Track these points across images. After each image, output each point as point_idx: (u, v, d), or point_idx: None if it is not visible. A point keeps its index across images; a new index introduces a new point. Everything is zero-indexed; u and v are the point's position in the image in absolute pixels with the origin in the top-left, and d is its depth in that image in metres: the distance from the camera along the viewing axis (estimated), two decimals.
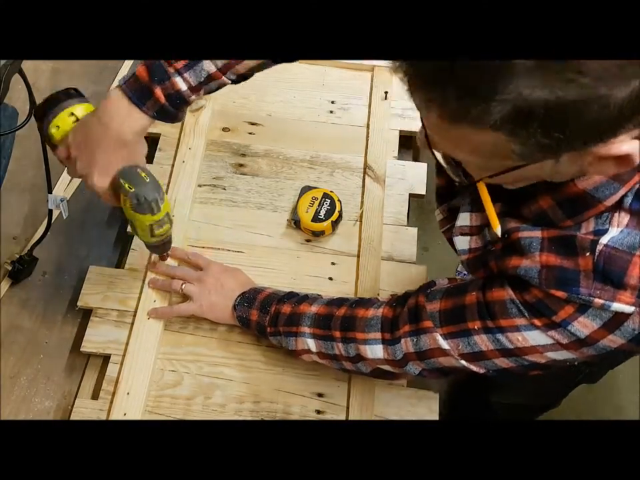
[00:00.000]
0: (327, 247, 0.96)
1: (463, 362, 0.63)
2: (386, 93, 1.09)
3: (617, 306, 0.52)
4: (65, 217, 0.86)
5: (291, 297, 0.81)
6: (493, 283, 0.60)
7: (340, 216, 0.95)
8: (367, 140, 1.05)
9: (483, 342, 0.60)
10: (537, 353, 0.57)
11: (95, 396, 0.85)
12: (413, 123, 1.07)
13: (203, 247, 0.95)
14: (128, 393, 0.82)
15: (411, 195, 1.02)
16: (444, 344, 0.63)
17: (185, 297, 0.87)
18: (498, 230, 0.57)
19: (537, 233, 0.56)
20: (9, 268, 0.89)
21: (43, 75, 1.08)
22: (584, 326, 0.53)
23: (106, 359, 0.87)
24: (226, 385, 0.86)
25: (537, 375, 0.63)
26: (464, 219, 0.67)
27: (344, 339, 0.72)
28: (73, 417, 0.83)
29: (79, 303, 0.89)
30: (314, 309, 0.77)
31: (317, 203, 0.95)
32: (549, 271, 0.54)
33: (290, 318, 0.77)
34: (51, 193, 0.81)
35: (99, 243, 0.99)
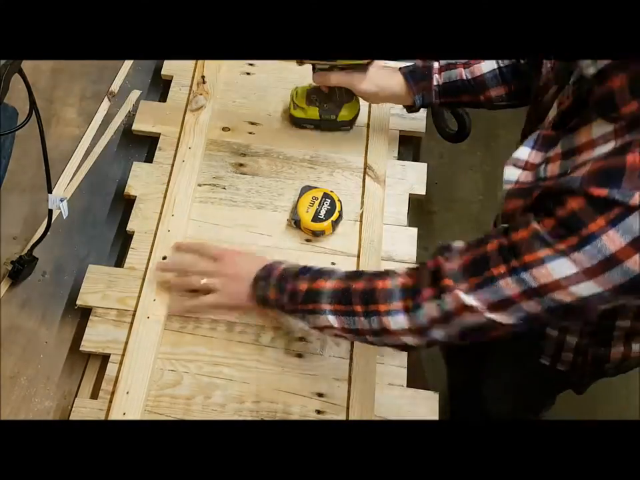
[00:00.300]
0: (327, 246, 0.96)
1: (491, 315, 0.61)
2: None
3: None
4: (64, 217, 0.86)
5: (305, 271, 0.78)
6: (519, 224, 0.59)
7: (340, 216, 0.95)
8: (367, 140, 1.05)
9: (508, 286, 0.59)
10: (561, 289, 0.56)
11: (95, 395, 0.85)
12: (413, 122, 1.07)
13: None
14: (127, 393, 0.82)
15: (410, 195, 1.02)
16: (468, 299, 0.61)
17: (205, 291, 0.86)
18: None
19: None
20: (9, 268, 0.89)
21: (43, 74, 1.08)
22: (612, 241, 0.52)
23: (105, 358, 0.87)
24: (226, 384, 0.86)
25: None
26: (523, 152, 0.66)
27: (366, 313, 0.70)
28: (73, 417, 0.83)
29: (78, 302, 0.89)
30: (330, 284, 0.74)
31: (317, 202, 0.95)
32: (592, 172, 0.54)
33: (307, 295, 0.75)
34: (50, 193, 0.81)
35: (98, 242, 0.99)
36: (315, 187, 0.98)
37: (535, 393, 1.09)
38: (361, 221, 0.98)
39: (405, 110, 0.99)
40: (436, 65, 0.93)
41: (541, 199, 0.59)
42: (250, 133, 1.06)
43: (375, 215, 0.98)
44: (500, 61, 0.90)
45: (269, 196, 1.00)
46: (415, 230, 0.99)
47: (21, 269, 0.89)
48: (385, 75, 0.94)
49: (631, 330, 0.82)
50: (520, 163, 0.66)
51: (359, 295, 0.71)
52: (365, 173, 1.02)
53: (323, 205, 0.95)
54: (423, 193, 1.03)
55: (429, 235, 1.73)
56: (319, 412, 0.85)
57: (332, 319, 0.73)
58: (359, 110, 1.03)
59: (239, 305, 0.85)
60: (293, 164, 1.04)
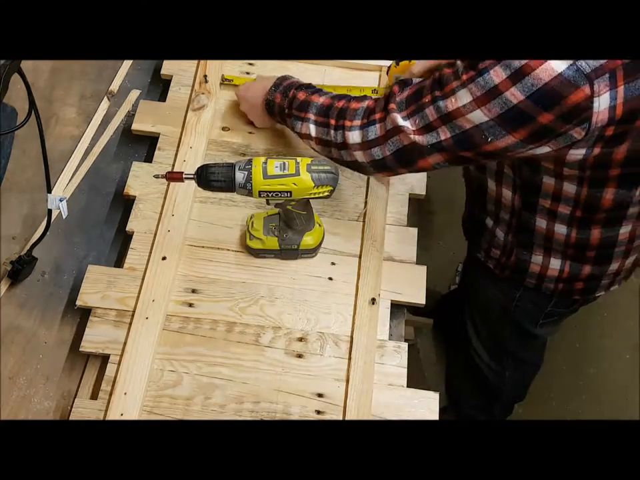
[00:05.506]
0: (327, 246, 0.96)
1: (416, 138, 0.74)
2: None
3: None
4: (64, 217, 0.86)
5: (308, 87, 0.92)
6: (450, 63, 0.71)
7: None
8: None
9: (430, 113, 0.72)
10: (462, 117, 0.69)
11: (95, 396, 0.85)
12: None
13: (203, 247, 0.95)
14: (125, 393, 0.82)
15: (411, 195, 1.02)
16: (402, 122, 0.75)
17: None
18: None
19: None
20: (9, 268, 0.89)
21: (43, 74, 1.07)
22: (496, 75, 0.65)
23: (105, 358, 0.87)
24: (225, 385, 0.86)
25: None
26: None
27: (336, 127, 0.84)
28: (72, 417, 0.83)
29: (78, 302, 0.89)
30: (321, 100, 0.87)
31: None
32: None
33: (302, 104, 0.89)
34: (50, 193, 0.81)
35: (98, 242, 0.99)
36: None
37: (502, 324, 1.12)
38: (363, 221, 0.98)
39: None
40: None
41: None
42: (250, 132, 1.06)
43: (379, 215, 0.98)
44: None
45: None
46: (415, 230, 0.99)
47: (20, 268, 0.89)
48: None
49: (547, 243, 0.88)
50: None
51: (336, 111, 0.84)
52: None
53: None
54: (423, 193, 1.03)
55: (428, 235, 1.73)
56: (318, 412, 0.85)
57: (312, 128, 0.87)
58: (324, 235, 0.95)
59: (254, 103, 1.00)
60: None
